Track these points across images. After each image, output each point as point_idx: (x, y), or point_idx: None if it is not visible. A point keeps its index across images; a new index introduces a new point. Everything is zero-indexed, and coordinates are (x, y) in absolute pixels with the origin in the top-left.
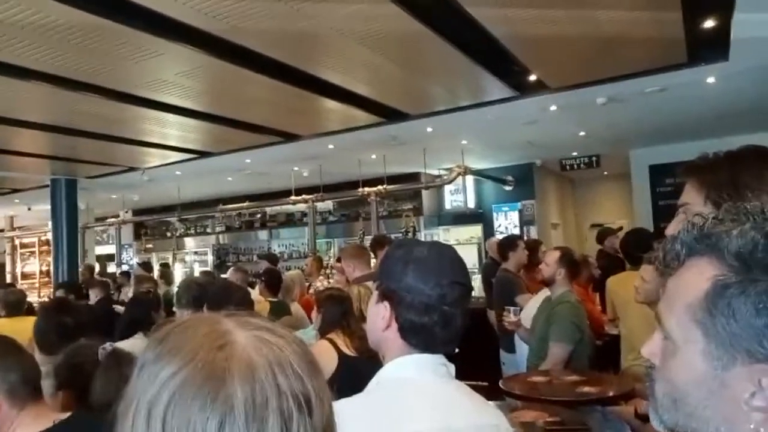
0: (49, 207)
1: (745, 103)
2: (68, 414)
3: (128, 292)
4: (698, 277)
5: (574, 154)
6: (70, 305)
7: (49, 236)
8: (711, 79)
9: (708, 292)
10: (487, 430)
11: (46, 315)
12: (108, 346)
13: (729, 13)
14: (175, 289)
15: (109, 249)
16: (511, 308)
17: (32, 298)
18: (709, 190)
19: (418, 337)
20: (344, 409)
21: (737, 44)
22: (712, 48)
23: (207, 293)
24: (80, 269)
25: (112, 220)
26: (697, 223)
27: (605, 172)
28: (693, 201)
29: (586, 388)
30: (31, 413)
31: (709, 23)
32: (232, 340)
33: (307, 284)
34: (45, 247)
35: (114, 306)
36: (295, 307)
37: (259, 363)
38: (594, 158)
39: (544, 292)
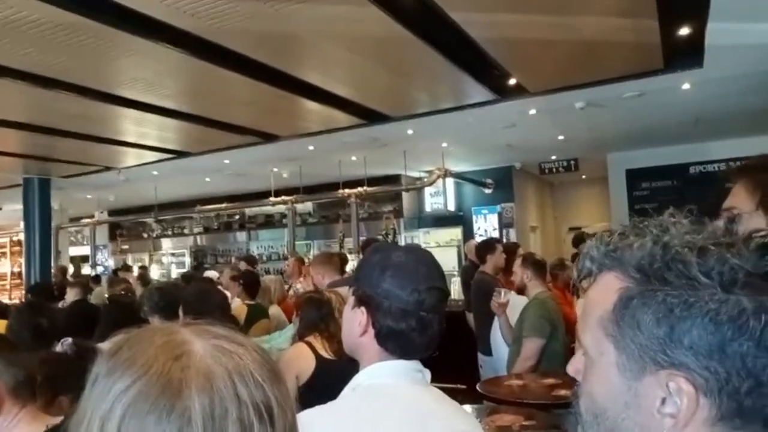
0: (21, 207)
1: (718, 109)
2: (61, 418)
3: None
4: (606, 291)
5: (553, 157)
6: (44, 306)
7: (22, 237)
8: (686, 86)
9: (615, 305)
10: None
11: (20, 316)
12: (69, 340)
13: (703, 21)
14: None
15: (84, 250)
16: (502, 290)
17: (3, 300)
18: (765, 193)
19: (395, 344)
20: (316, 415)
21: (711, 52)
22: (687, 55)
23: (174, 299)
24: (53, 271)
25: (87, 220)
26: (605, 239)
27: (583, 176)
28: (742, 204)
29: (563, 391)
30: (31, 412)
31: (684, 31)
32: (189, 350)
33: (287, 286)
34: (17, 248)
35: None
36: (274, 310)
37: (218, 372)
38: (572, 162)
39: (524, 301)
